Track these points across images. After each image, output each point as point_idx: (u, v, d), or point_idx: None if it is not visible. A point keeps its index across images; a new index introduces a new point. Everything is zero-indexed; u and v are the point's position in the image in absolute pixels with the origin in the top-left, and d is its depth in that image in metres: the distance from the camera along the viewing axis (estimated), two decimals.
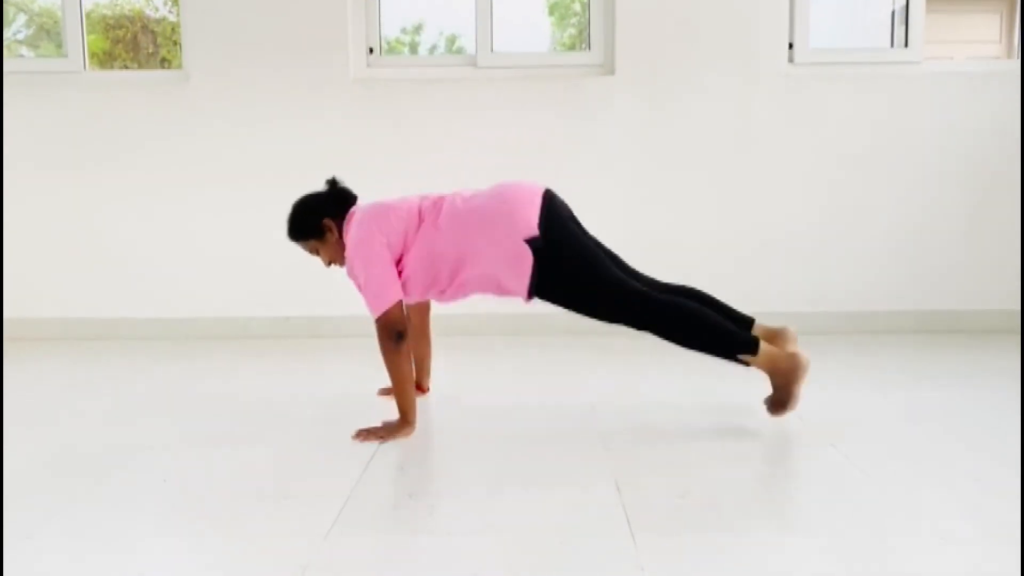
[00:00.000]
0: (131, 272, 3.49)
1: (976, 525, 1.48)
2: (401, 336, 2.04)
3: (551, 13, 3.94)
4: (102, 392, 2.60)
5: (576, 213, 2.17)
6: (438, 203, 2.11)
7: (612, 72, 3.37)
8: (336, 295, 3.46)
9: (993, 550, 1.38)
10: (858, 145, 3.38)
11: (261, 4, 3.34)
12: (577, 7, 3.81)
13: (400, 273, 2.07)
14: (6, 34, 3.66)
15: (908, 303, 3.44)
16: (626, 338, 2.29)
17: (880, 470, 1.76)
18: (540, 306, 2.13)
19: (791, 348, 2.07)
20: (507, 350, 3.13)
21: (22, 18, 3.90)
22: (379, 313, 2.03)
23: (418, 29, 3.80)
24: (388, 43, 3.63)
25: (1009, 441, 1.94)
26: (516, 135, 3.38)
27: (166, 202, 3.46)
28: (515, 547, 1.41)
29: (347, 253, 2.09)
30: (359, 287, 2.07)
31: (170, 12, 3.97)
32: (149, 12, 4.05)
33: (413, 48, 3.82)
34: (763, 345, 2.00)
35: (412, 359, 2.23)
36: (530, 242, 1.97)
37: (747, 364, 2.02)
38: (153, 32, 4.04)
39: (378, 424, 2.07)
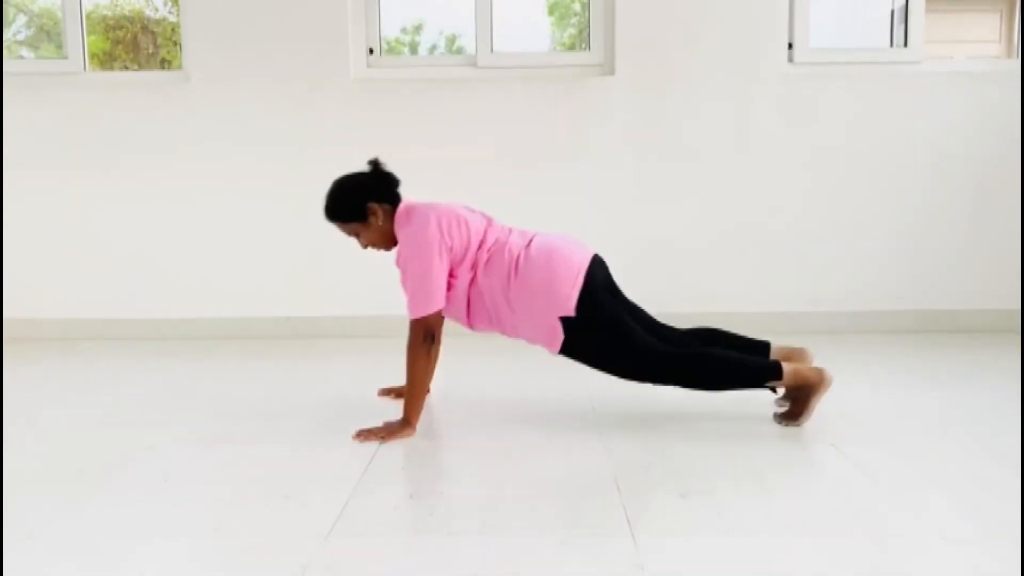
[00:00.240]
0: (131, 272, 3.49)
1: (976, 525, 1.48)
2: (433, 340, 2.07)
3: (551, 13, 3.94)
4: (102, 392, 2.60)
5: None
6: (500, 245, 2.09)
7: (612, 72, 3.38)
8: (336, 296, 3.47)
9: (993, 550, 1.38)
10: (858, 145, 3.38)
11: (261, 5, 3.35)
12: (577, 7, 3.81)
13: (449, 276, 2.08)
14: (6, 35, 3.66)
15: (908, 303, 3.44)
16: None
17: (880, 470, 1.76)
18: None
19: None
20: (507, 350, 3.12)
21: (22, 19, 3.90)
22: (420, 316, 2.04)
23: (418, 29, 3.80)
24: (388, 43, 3.63)
25: (1009, 441, 1.95)
26: (516, 135, 3.38)
27: (166, 202, 3.46)
28: (515, 547, 1.41)
29: (404, 245, 2.06)
30: (405, 281, 2.07)
31: (170, 12, 3.97)
32: (149, 13, 4.05)
33: (413, 48, 3.82)
34: (785, 366, 2.05)
35: (435, 365, 2.22)
36: (564, 319, 2.02)
37: (774, 389, 2.09)
38: (153, 33, 4.04)
39: (379, 425, 2.07)
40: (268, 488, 1.70)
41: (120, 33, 3.97)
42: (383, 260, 2.37)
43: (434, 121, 3.39)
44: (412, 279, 2.04)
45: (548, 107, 3.38)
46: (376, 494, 1.67)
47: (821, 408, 2.07)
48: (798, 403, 2.07)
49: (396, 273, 2.12)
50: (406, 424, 2.05)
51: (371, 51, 3.45)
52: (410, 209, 2.12)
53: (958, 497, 1.61)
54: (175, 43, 3.83)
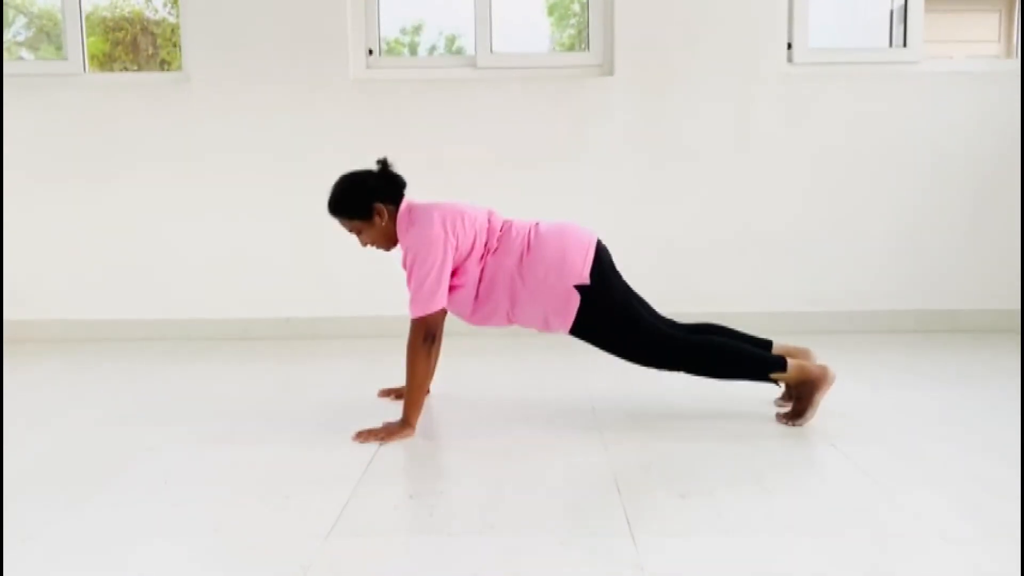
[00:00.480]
0: (131, 274, 3.49)
1: (976, 525, 1.48)
2: (433, 339, 2.07)
3: (550, 13, 3.94)
4: (103, 394, 2.60)
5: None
6: (506, 229, 2.13)
7: (611, 72, 3.38)
8: (337, 296, 3.47)
9: (993, 550, 1.38)
10: (857, 145, 3.38)
11: (261, 6, 3.35)
12: (576, 7, 3.81)
13: (455, 276, 2.08)
14: (6, 36, 3.66)
15: (908, 303, 3.44)
16: None
17: (880, 470, 1.76)
18: None
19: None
20: (507, 350, 3.13)
21: (22, 20, 3.90)
22: (421, 315, 2.04)
23: (417, 29, 3.80)
24: (388, 44, 3.63)
25: (1009, 441, 1.95)
26: (515, 136, 3.39)
27: (166, 203, 3.46)
28: (515, 547, 1.41)
29: (409, 245, 2.06)
30: (409, 281, 2.07)
31: (170, 14, 3.97)
32: (149, 14, 4.05)
33: (413, 48, 3.82)
34: (790, 360, 2.08)
35: (435, 366, 2.24)
36: (580, 288, 2.04)
37: (777, 382, 2.10)
38: (153, 34, 4.04)
39: (378, 425, 2.07)
40: (268, 488, 1.70)
41: (120, 34, 3.97)
42: (383, 261, 2.38)
43: (433, 121, 3.39)
44: (416, 278, 2.04)
45: (548, 108, 3.38)
46: (376, 494, 1.67)
47: (822, 408, 2.07)
48: (801, 400, 2.08)
49: (395, 274, 2.12)
50: (406, 424, 2.05)
51: (370, 52, 3.46)
52: (412, 209, 2.12)
53: (958, 497, 1.61)
54: (175, 44, 3.84)
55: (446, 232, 2.04)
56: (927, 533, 1.45)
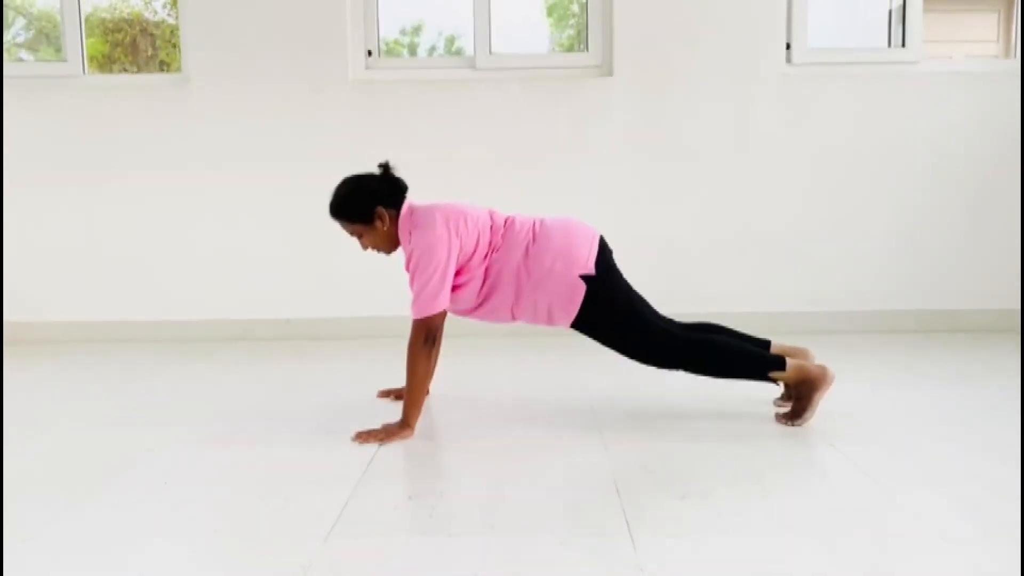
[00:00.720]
0: (131, 275, 3.50)
1: (976, 525, 1.48)
2: (433, 341, 2.07)
3: (549, 14, 3.94)
4: (103, 395, 2.60)
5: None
6: (510, 224, 2.13)
7: (610, 73, 3.38)
8: (337, 297, 3.47)
9: (993, 550, 1.38)
10: (856, 145, 3.38)
11: (260, 7, 3.35)
12: (575, 8, 3.81)
13: (459, 275, 2.08)
14: (5, 37, 3.66)
15: (908, 303, 3.44)
16: None
17: (880, 470, 1.76)
18: None
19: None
20: (507, 350, 3.13)
21: (21, 21, 3.90)
22: (423, 316, 2.04)
23: (417, 30, 3.80)
24: (387, 44, 3.63)
25: (1009, 441, 1.95)
26: (515, 136, 3.39)
27: (166, 205, 3.46)
28: (515, 547, 1.41)
29: (413, 247, 2.06)
30: (412, 282, 2.07)
31: (169, 15, 3.97)
32: (148, 15, 4.05)
33: (412, 49, 3.82)
34: (789, 360, 2.09)
35: (434, 366, 2.24)
36: (585, 278, 2.05)
37: (775, 381, 2.11)
38: (152, 35, 4.04)
39: (378, 426, 2.07)
40: (268, 488, 1.70)
41: (119, 36, 3.97)
42: (383, 262, 2.38)
43: (433, 122, 3.39)
44: (419, 280, 2.04)
45: (547, 108, 3.38)
46: (376, 494, 1.67)
47: (821, 408, 2.07)
48: (801, 400, 2.08)
49: (395, 274, 2.12)
50: (405, 425, 2.05)
51: (370, 53, 3.46)
52: (414, 211, 2.12)
53: (958, 497, 1.61)
54: (174, 45, 3.84)
55: (449, 233, 2.04)
56: (927, 533, 1.45)
